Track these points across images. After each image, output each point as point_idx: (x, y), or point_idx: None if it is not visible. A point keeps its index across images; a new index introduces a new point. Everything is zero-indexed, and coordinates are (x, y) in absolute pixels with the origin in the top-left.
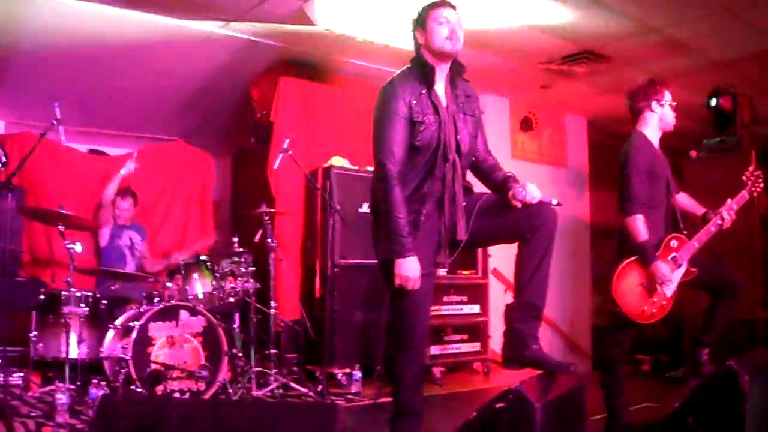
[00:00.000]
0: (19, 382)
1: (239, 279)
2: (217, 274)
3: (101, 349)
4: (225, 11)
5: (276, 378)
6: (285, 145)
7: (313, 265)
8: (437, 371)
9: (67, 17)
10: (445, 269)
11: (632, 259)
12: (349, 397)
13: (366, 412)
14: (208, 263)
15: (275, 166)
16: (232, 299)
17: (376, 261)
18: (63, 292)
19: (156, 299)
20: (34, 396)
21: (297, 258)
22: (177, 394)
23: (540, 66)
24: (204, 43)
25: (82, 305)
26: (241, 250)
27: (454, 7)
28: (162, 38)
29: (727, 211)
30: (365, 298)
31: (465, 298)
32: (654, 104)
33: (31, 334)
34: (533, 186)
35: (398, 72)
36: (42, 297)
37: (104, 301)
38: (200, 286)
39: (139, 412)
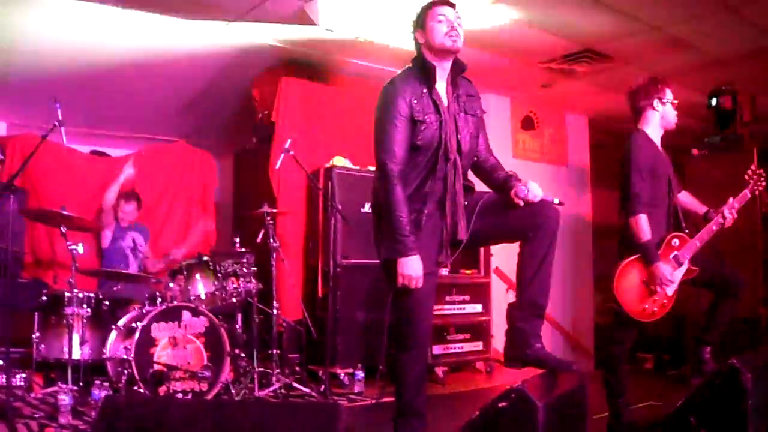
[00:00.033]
0: (22, 383)
1: (241, 279)
2: (220, 275)
3: (104, 350)
4: (226, 11)
5: (278, 378)
6: (286, 145)
7: (315, 265)
8: (440, 371)
9: (69, 18)
10: (447, 269)
11: (633, 257)
12: (352, 396)
13: (369, 411)
14: (211, 264)
15: (277, 167)
16: (234, 300)
17: (378, 261)
18: (65, 293)
19: (158, 300)
20: (36, 397)
21: (299, 258)
22: (180, 395)
23: (541, 65)
24: (205, 44)
25: (85, 306)
26: (243, 250)
27: (453, 5)
28: (163, 39)
29: (729, 210)
30: (367, 298)
31: (467, 298)
32: (656, 102)
33: (33, 336)
34: (535, 184)
35: (399, 72)
36: (44, 298)
37: (106, 302)
38: (202, 286)
39: (142, 413)
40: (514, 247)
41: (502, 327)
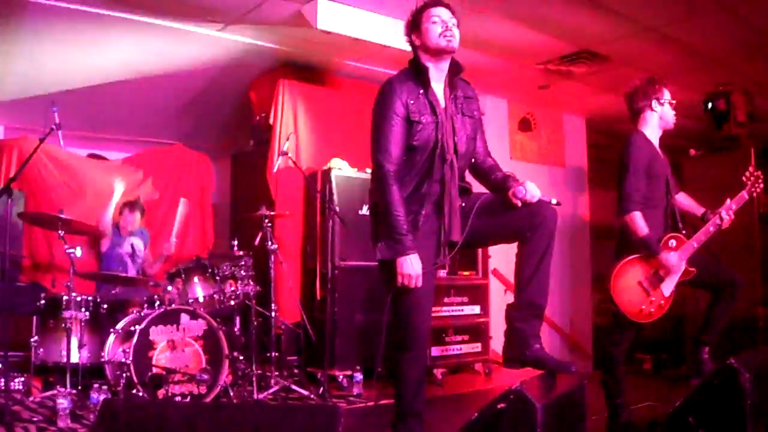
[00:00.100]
0: (21, 387)
1: (239, 282)
2: (218, 278)
3: (102, 354)
4: (223, 14)
5: (277, 381)
6: (284, 148)
7: (314, 267)
8: (438, 372)
9: (66, 21)
10: (446, 270)
11: (631, 257)
12: (351, 399)
13: (368, 413)
14: (209, 267)
15: (275, 169)
16: (232, 302)
17: (376, 262)
18: (64, 297)
19: (157, 303)
20: (35, 401)
21: (297, 260)
22: (178, 398)
23: (538, 66)
24: (203, 46)
25: (83, 310)
26: (241, 253)
27: (447, 6)
28: (160, 42)
29: (726, 212)
30: (365, 300)
31: (465, 299)
32: (654, 103)
33: (32, 339)
34: (533, 185)
35: (397, 73)
36: (42, 302)
37: (105, 306)
38: (201, 289)
39: (141, 416)
40: (512, 249)
41: (500, 328)
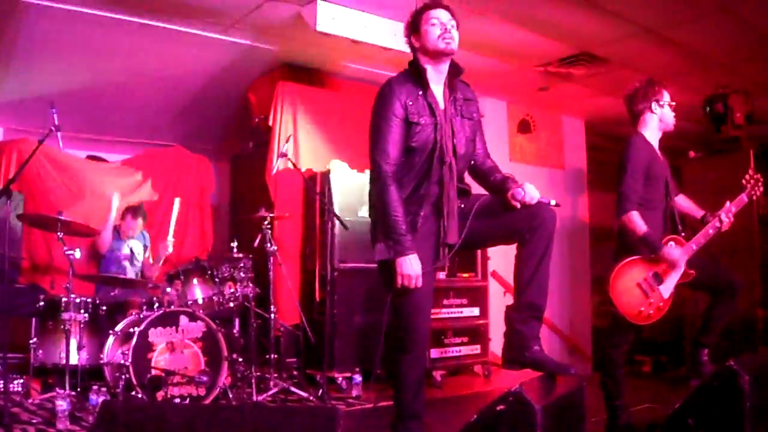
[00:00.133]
0: (20, 389)
1: (239, 284)
2: (217, 279)
3: (101, 355)
4: (223, 16)
5: (276, 382)
6: (283, 150)
7: (313, 269)
8: (437, 374)
9: (65, 23)
10: (445, 272)
11: (629, 259)
12: (350, 401)
13: (367, 416)
14: (208, 268)
15: (274, 171)
16: (231, 304)
17: (375, 263)
18: (63, 299)
19: (156, 305)
20: (34, 403)
21: (296, 262)
22: (177, 400)
23: (537, 68)
24: (202, 48)
25: (82, 311)
26: (240, 255)
27: (446, 8)
28: (160, 44)
29: (726, 214)
30: (365, 302)
31: (465, 301)
32: (653, 105)
33: (31, 341)
34: (532, 186)
35: (396, 74)
36: (42, 303)
37: (104, 307)
38: (200, 291)
39: (140, 418)
40: (511, 250)
41: (499, 330)
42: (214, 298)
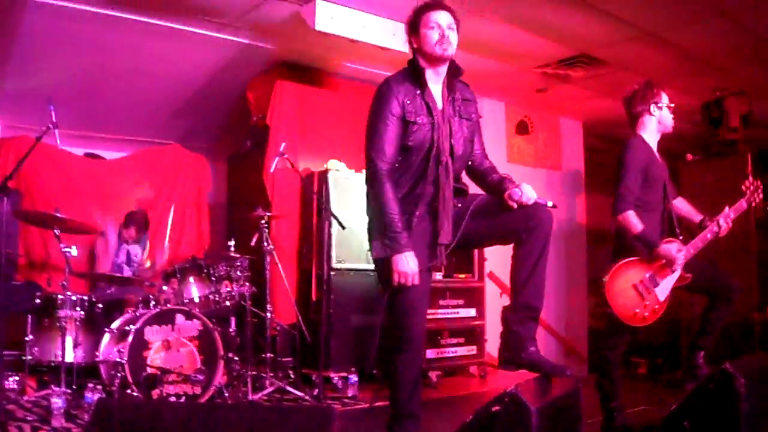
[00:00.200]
0: (15, 386)
1: (235, 283)
2: (213, 278)
3: (97, 353)
4: (221, 14)
5: (272, 382)
6: (281, 149)
7: (309, 268)
8: (433, 375)
9: (63, 21)
10: (441, 272)
11: (626, 260)
12: (346, 400)
13: (362, 415)
14: (204, 267)
15: (271, 170)
16: (228, 303)
17: (372, 264)
18: (59, 296)
19: (152, 303)
20: (29, 400)
21: (293, 262)
22: (173, 398)
23: (536, 70)
24: (200, 47)
25: (78, 309)
26: (237, 254)
27: (446, 9)
28: (158, 42)
29: (725, 219)
30: (361, 302)
31: (461, 302)
32: (652, 107)
33: (26, 338)
34: (529, 187)
35: (395, 73)
36: (38, 300)
37: (100, 305)
38: (196, 289)
39: (135, 416)
40: (507, 251)
41: (496, 331)
42: (210, 296)
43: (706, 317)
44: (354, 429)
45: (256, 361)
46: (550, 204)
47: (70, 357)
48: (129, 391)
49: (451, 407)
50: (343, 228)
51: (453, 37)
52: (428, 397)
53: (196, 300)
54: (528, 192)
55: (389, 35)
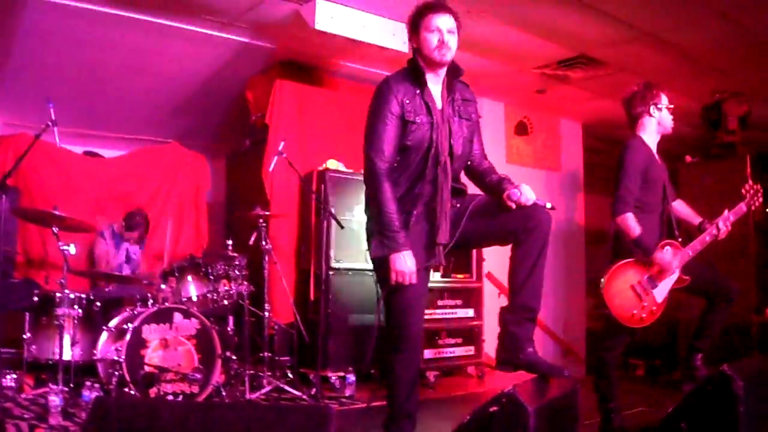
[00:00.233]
0: (13, 384)
1: (233, 282)
2: (212, 277)
3: (95, 351)
4: (221, 13)
5: (269, 381)
6: (280, 148)
7: (308, 268)
8: (431, 375)
9: (63, 18)
10: (440, 272)
11: (624, 261)
12: (343, 400)
13: (360, 415)
14: (203, 266)
15: (270, 169)
16: (226, 302)
17: (371, 264)
18: (57, 294)
19: (150, 301)
20: (27, 398)
21: (291, 261)
22: (170, 397)
23: (535, 71)
24: (200, 46)
25: (76, 307)
26: (235, 253)
27: (448, 11)
28: (157, 40)
29: (724, 222)
30: (359, 302)
31: (459, 302)
32: (652, 108)
33: (24, 336)
34: (528, 188)
35: (395, 72)
36: (36, 298)
37: (98, 303)
38: (194, 288)
39: (133, 414)
40: (506, 252)
41: (493, 332)
42: (208, 295)
43: (704, 319)
44: (351, 429)
45: (253, 360)
46: (548, 205)
47: (67, 355)
48: (126, 389)
49: (449, 407)
50: (342, 227)
51: (453, 41)
52: (426, 397)
53: (194, 299)
54: (527, 193)
55: (389, 35)
